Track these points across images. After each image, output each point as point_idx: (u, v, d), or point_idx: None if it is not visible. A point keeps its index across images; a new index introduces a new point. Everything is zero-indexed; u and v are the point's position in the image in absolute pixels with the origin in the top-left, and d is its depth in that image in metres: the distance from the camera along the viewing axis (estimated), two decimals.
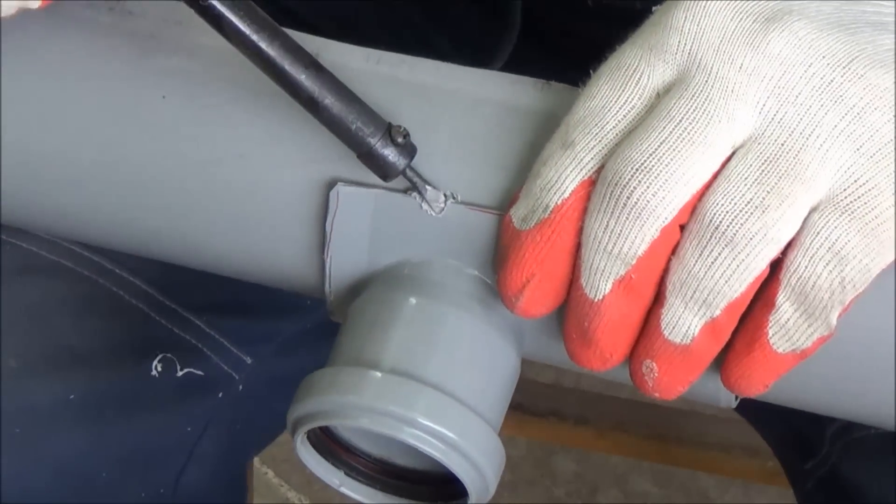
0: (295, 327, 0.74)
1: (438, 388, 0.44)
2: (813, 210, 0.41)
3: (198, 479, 0.69)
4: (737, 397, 0.48)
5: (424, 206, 0.46)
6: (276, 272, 0.51)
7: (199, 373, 0.68)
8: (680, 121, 0.41)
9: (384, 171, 0.45)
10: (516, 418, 1.08)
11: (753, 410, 0.76)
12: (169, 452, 0.68)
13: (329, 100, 0.44)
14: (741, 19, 0.42)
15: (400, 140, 0.45)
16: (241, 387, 0.71)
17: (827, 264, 0.41)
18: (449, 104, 0.47)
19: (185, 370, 0.68)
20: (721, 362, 0.44)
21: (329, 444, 0.48)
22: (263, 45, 0.43)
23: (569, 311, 0.44)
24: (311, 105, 0.44)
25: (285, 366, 0.73)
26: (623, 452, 1.14)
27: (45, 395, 0.63)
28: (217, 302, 0.70)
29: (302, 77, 0.43)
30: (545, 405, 1.10)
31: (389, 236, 0.47)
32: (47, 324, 0.65)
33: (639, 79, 0.43)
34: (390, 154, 0.44)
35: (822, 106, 0.41)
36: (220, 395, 0.70)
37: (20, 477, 0.62)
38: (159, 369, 0.66)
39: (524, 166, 0.45)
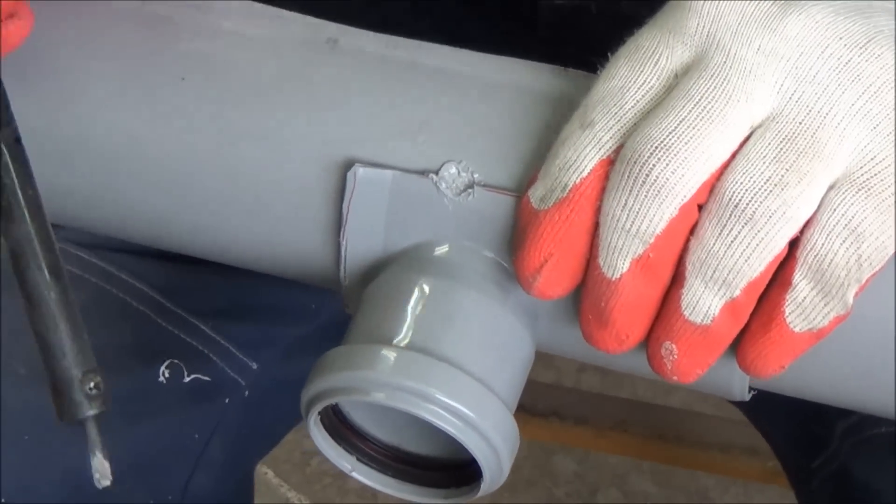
0: (301, 332, 0.74)
1: (455, 366, 0.44)
2: (830, 188, 0.41)
3: (205, 485, 0.69)
4: (751, 389, 0.47)
5: (442, 187, 0.46)
6: (291, 258, 0.50)
7: (206, 378, 0.68)
8: (699, 100, 0.42)
9: (65, 406, 0.44)
10: (516, 418, 1.07)
11: (761, 411, 0.76)
12: (176, 458, 0.68)
13: (51, 311, 0.43)
14: (758, 3, 0.43)
15: (93, 387, 0.44)
16: (247, 392, 0.71)
17: (843, 241, 0.41)
18: (467, 88, 0.48)
19: (192, 376, 0.67)
20: (737, 344, 0.44)
21: (342, 429, 0.48)
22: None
23: (585, 291, 0.44)
24: (30, 303, 0.43)
25: (291, 371, 0.72)
26: (623, 452, 1.13)
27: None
28: (223, 307, 0.70)
29: (40, 278, 0.43)
30: (545, 405, 1.09)
31: (406, 218, 0.47)
32: None
33: (657, 60, 0.43)
34: (80, 394, 0.44)
35: (839, 85, 0.42)
36: (227, 400, 0.70)
37: (28, 484, 0.62)
38: (167, 375, 0.66)
39: (542, 150, 0.45)
